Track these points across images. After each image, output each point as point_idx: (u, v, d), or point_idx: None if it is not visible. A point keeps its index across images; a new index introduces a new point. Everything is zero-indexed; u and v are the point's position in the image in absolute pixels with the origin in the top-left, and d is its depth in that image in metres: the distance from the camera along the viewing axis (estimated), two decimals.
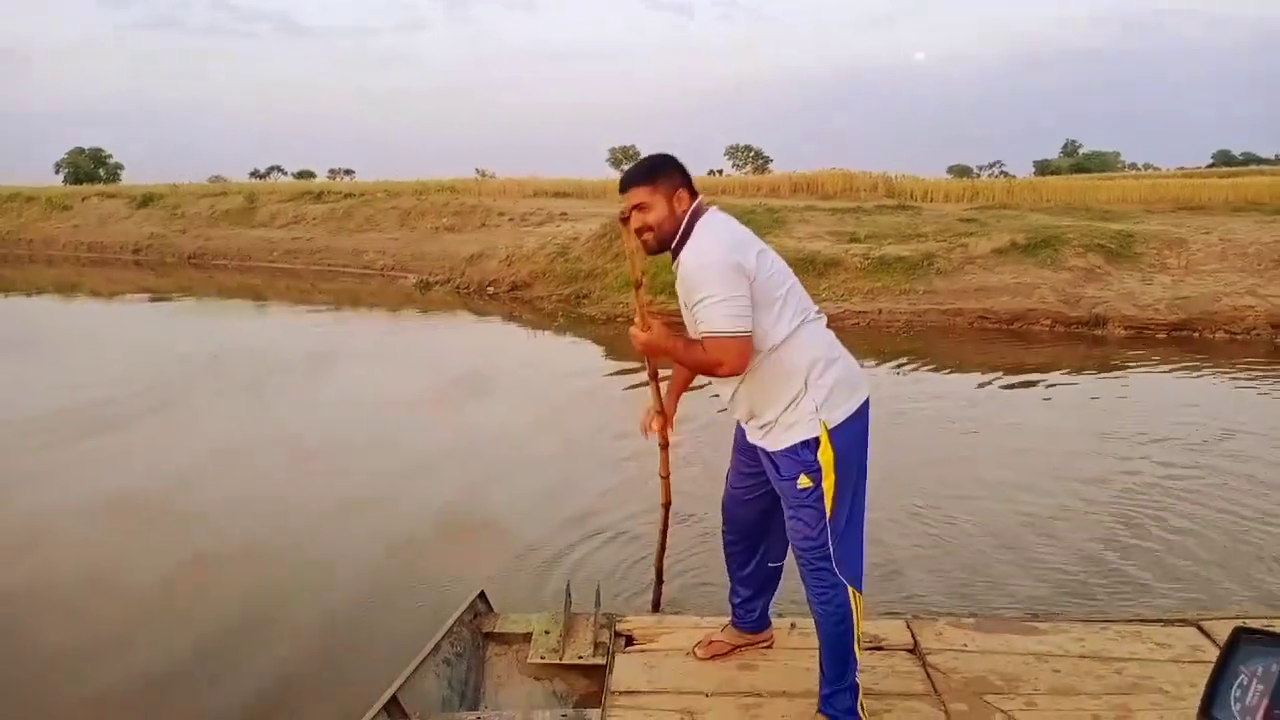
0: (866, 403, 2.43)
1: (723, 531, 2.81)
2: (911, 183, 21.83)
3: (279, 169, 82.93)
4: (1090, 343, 9.56)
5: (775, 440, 2.40)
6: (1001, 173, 75.76)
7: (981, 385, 7.74)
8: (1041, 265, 10.91)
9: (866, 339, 9.99)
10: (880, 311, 10.78)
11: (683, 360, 2.42)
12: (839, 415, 2.34)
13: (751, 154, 75.45)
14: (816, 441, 2.33)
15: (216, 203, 25.79)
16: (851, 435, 2.37)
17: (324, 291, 16.82)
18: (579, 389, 7.90)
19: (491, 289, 14.93)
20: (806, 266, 11.76)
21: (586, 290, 12.63)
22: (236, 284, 18.28)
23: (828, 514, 2.35)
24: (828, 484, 2.34)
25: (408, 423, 6.86)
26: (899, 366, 8.50)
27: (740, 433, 2.63)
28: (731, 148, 75.58)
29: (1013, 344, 9.68)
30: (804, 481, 2.35)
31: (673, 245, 2.38)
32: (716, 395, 2.52)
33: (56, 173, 67.18)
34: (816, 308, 2.44)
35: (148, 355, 9.92)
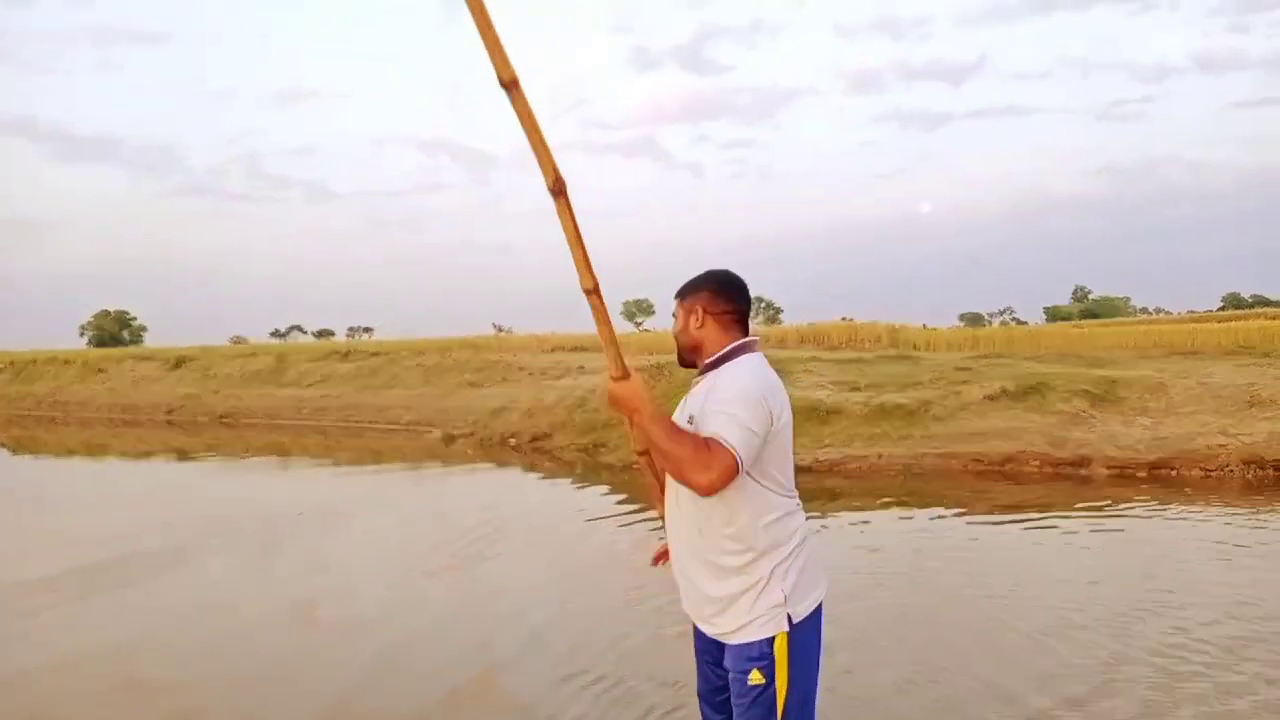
0: (822, 602, 2.33)
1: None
2: (915, 333, 22.72)
3: (299, 328, 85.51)
4: (1076, 481, 10.05)
5: (728, 628, 2.26)
6: (1013, 319, 77.50)
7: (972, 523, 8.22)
8: (1030, 410, 11.56)
9: (867, 481, 10.54)
10: (880, 456, 11.36)
11: (659, 432, 2.10)
12: (804, 609, 2.25)
13: (763, 305, 77.72)
14: (775, 639, 2.21)
15: (246, 363, 26.95)
16: (809, 632, 2.27)
17: (349, 448, 17.40)
18: (593, 532, 8.34)
19: (513, 440, 15.61)
20: (810, 414, 12.44)
21: (604, 439, 13.28)
22: (264, 442, 18.91)
23: (778, 712, 2.22)
24: (780, 681, 2.21)
25: (420, 580, 6.76)
26: (903, 511, 8.99)
27: (699, 632, 2.45)
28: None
29: (1004, 484, 10.15)
30: (755, 677, 2.22)
31: (702, 364, 2.36)
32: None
33: (81, 335, 69.13)
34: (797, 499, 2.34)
35: (159, 514, 10.23)
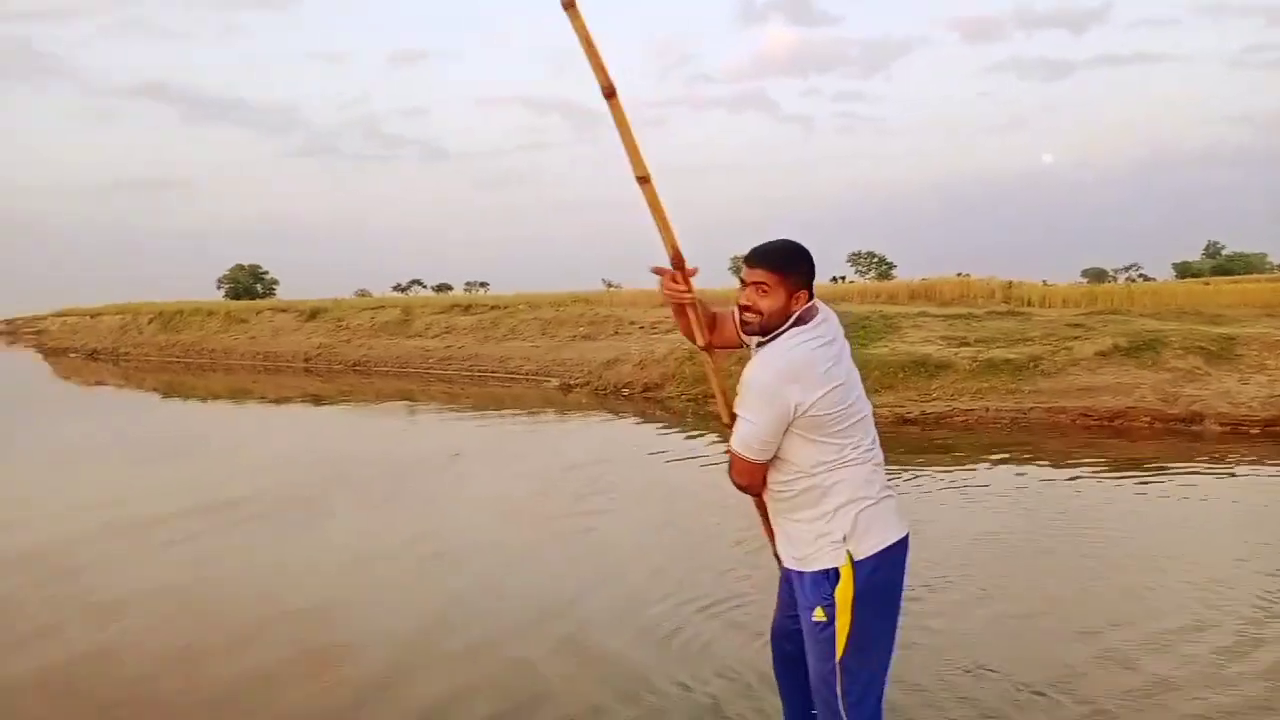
0: (903, 545, 2.37)
1: (773, 665, 2.74)
2: (1030, 289, 22.34)
3: (419, 282, 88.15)
4: (1187, 438, 10.07)
5: (799, 560, 2.38)
6: (1140, 275, 74.17)
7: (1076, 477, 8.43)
8: (1142, 366, 11.53)
9: (974, 434, 10.80)
10: (987, 409, 11.54)
11: (733, 456, 2.42)
12: (867, 548, 2.29)
13: (875, 260, 76.38)
14: (837, 574, 2.28)
15: (375, 315, 28.36)
16: (878, 574, 2.30)
17: (472, 395, 18.33)
18: (702, 476, 8.77)
19: (626, 390, 16.30)
20: (918, 369, 12.70)
21: (712, 390, 13.77)
22: (393, 389, 19.97)
23: (837, 655, 2.27)
24: (841, 622, 2.26)
25: (532, 521, 7.16)
26: (1007, 460, 9.25)
27: (784, 573, 2.58)
28: (854, 254, 76.89)
29: (1113, 439, 10.24)
30: (818, 614, 2.29)
31: (760, 339, 2.40)
32: None
33: (218, 288, 72.65)
34: (876, 448, 2.41)
35: (296, 456, 11.04)
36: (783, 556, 2.47)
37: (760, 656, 2.87)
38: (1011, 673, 3.90)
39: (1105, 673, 3.92)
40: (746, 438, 2.31)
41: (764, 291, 2.32)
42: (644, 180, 2.37)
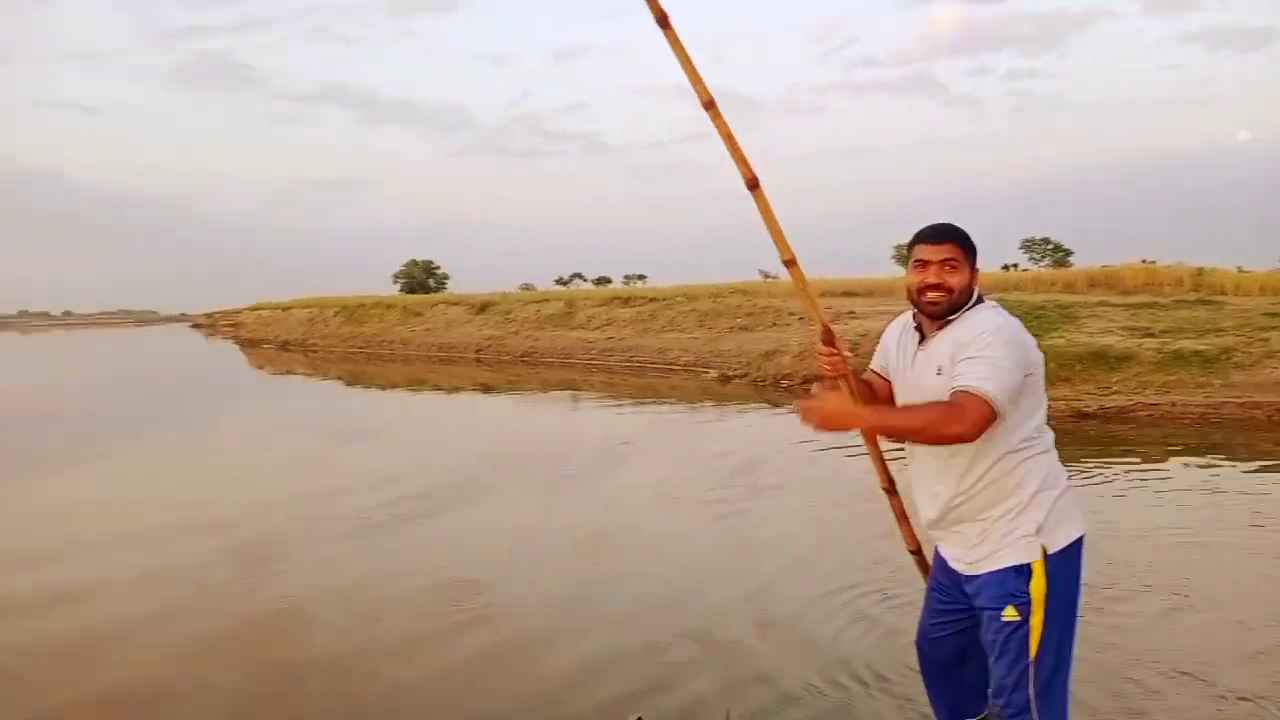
0: (1084, 538, 2.31)
1: (920, 670, 2.65)
2: (1223, 276, 20.78)
3: (580, 275, 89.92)
4: None
5: (983, 559, 2.27)
6: None
7: None
8: None
9: (1159, 429, 10.18)
10: (1173, 404, 10.84)
11: (892, 423, 2.30)
12: (1059, 540, 2.22)
13: (1050, 247, 72.33)
14: (1030, 569, 2.19)
15: (540, 308, 29.25)
16: (1068, 568, 2.24)
17: (632, 386, 18.61)
18: (856, 468, 8.72)
19: (786, 382, 16.22)
20: (1097, 360, 12.05)
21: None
22: (558, 378, 20.58)
23: (1031, 654, 2.17)
24: (1036, 620, 2.17)
25: (691, 510, 7.24)
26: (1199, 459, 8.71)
27: (939, 562, 2.51)
28: (1028, 241, 72.90)
29: None
30: (1010, 614, 2.19)
31: (948, 318, 2.32)
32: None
33: (394, 282, 76.11)
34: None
35: (468, 445, 11.54)
36: (954, 560, 2.38)
37: (908, 654, 2.84)
38: (1213, 678, 3.72)
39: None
40: (1002, 380, 2.12)
41: (953, 268, 2.28)
42: (754, 186, 2.44)
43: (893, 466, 2.74)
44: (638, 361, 22.68)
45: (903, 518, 2.71)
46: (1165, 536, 5.93)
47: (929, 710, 2.76)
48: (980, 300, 2.33)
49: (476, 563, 5.91)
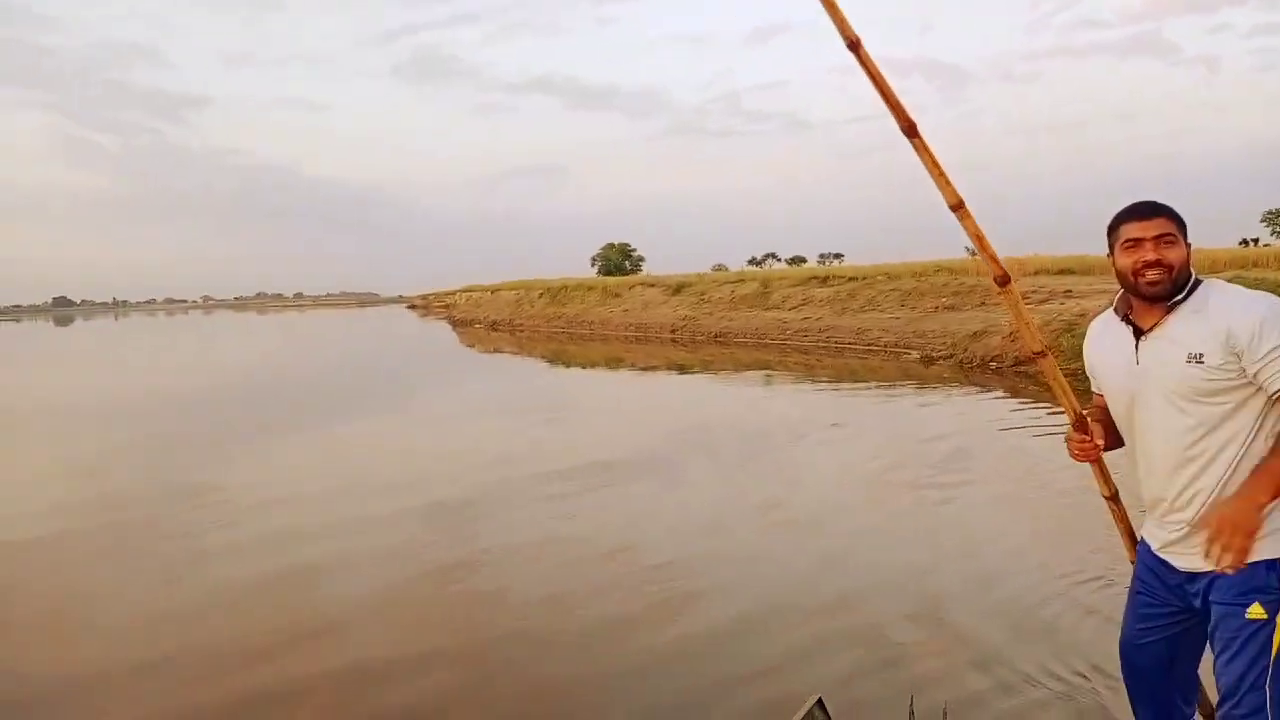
0: None
1: (1123, 676, 2.48)
2: None
3: (774, 255, 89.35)
4: None
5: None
6: None
7: None
8: None
9: None
10: None
11: None
12: None
13: None
14: (1278, 565, 2.04)
15: (735, 289, 29.31)
16: None
17: (828, 367, 18.37)
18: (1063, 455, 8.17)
19: (994, 364, 15.50)
20: None
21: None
22: (752, 359, 20.58)
23: (1273, 652, 2.03)
24: None
25: (882, 497, 7.09)
26: None
27: (1146, 561, 2.34)
28: (1270, 213, 65.80)
29: None
30: (1255, 611, 2.04)
31: (1172, 299, 2.14)
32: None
33: (592, 265, 78.26)
34: None
35: (661, 421, 11.86)
36: (1182, 556, 2.19)
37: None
38: None
39: None
40: None
41: (1170, 243, 2.12)
42: (958, 208, 2.30)
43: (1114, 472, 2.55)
44: (835, 342, 22.29)
45: (1124, 522, 2.55)
46: None
47: None
48: (1198, 279, 2.16)
49: (680, 546, 5.93)
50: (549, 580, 5.29)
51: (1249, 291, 2.12)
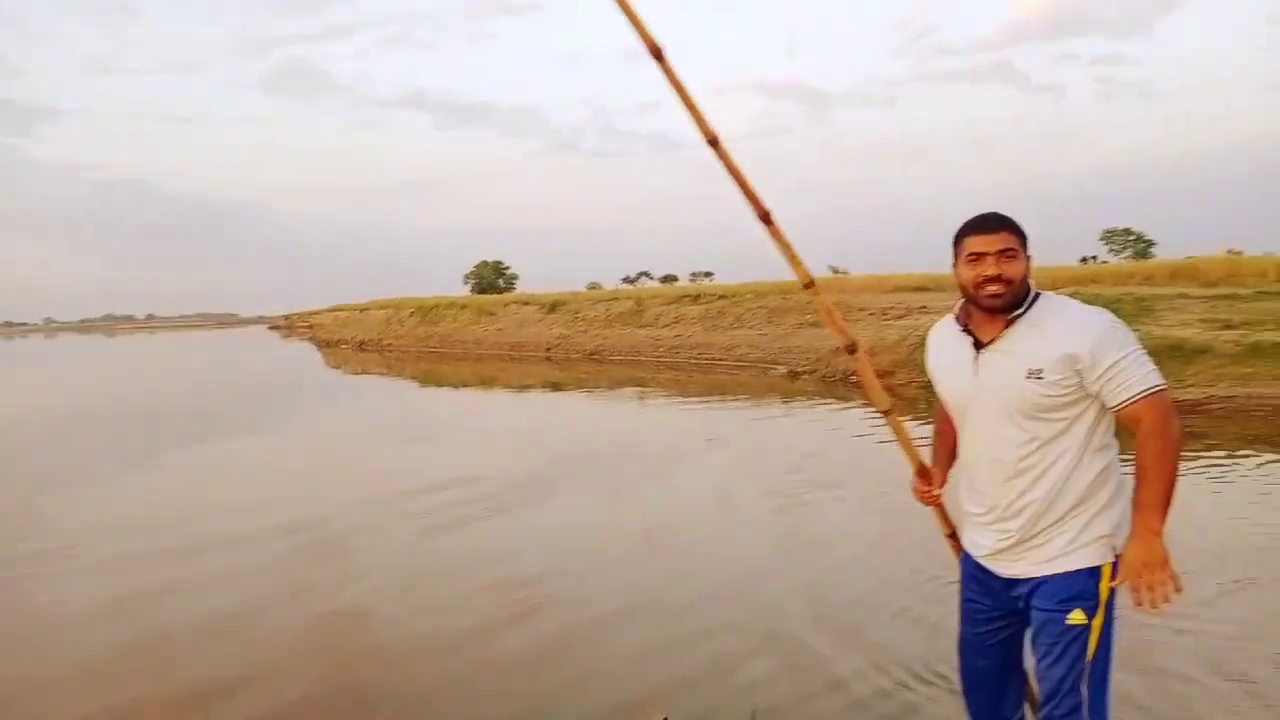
0: None
1: (960, 676, 2.54)
2: None
3: (646, 274, 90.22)
4: None
5: (1049, 560, 2.20)
6: None
7: None
8: None
9: (1234, 423, 9.98)
10: (1249, 397, 10.60)
11: (1174, 480, 2.09)
12: (1122, 541, 2.16)
13: (1131, 238, 70.08)
14: (1100, 572, 2.15)
15: (609, 307, 29.59)
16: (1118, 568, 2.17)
17: (699, 383, 18.77)
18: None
19: (854, 378, 16.19)
20: (1173, 353, 11.79)
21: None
22: (626, 376, 20.85)
23: (1089, 654, 2.14)
24: (1097, 622, 2.14)
25: (748, 510, 7.25)
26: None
27: (973, 571, 2.42)
28: (1108, 232, 70.76)
29: None
30: (1076, 617, 2.14)
31: (1012, 313, 2.18)
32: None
33: (465, 283, 77.15)
34: None
35: (533, 439, 11.86)
36: (1004, 565, 2.28)
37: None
38: None
39: None
40: (1154, 367, 2.10)
41: (1011, 257, 2.16)
42: (766, 219, 2.43)
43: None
44: (706, 358, 22.82)
45: (960, 553, 2.58)
46: (1227, 527, 5.92)
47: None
48: (1036, 292, 2.22)
49: (537, 558, 6.05)
50: (412, 599, 5.26)
51: (1085, 307, 2.18)
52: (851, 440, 10.43)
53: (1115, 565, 2.13)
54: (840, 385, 16.15)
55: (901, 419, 2.63)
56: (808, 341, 20.27)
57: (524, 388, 20.23)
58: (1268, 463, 8.04)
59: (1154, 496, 2.06)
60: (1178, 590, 2.04)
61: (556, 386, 20.03)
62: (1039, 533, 2.20)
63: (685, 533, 6.63)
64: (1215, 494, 6.97)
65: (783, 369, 19.12)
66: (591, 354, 26.37)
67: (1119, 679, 2.37)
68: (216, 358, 39.57)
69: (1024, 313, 2.17)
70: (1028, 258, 2.19)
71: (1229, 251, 25.74)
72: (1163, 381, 2.07)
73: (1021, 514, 2.21)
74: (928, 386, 2.56)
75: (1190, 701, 3.52)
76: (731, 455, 9.99)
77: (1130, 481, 2.13)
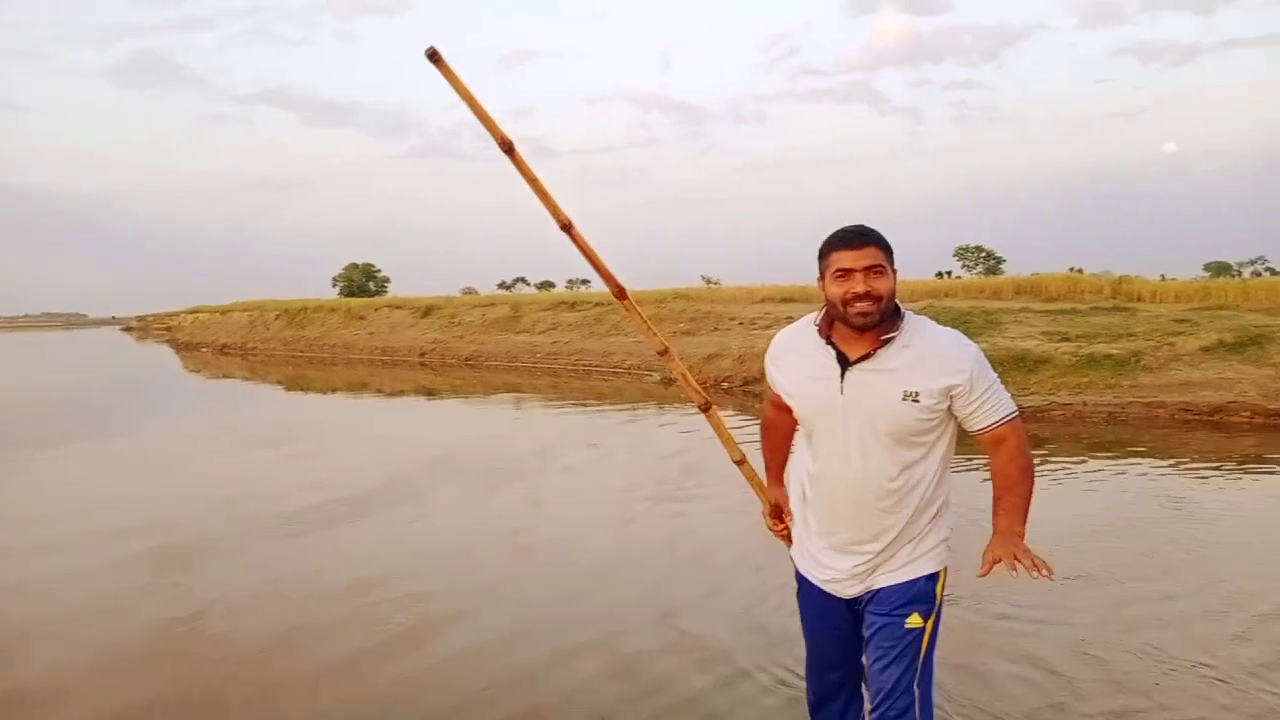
0: None
1: (811, 690, 2.54)
2: (1140, 284, 21.85)
3: (523, 280, 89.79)
4: None
5: (897, 569, 2.25)
6: (1267, 269, 70.42)
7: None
8: (1246, 362, 11.39)
9: (1071, 428, 10.85)
10: (1085, 404, 11.56)
11: (1032, 489, 2.24)
12: (950, 546, 2.32)
13: (983, 254, 74.15)
14: (938, 576, 2.25)
15: (486, 312, 29.48)
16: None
17: (576, 389, 18.93)
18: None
19: (726, 384, 16.73)
20: (1017, 363, 12.74)
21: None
22: (502, 382, 20.80)
23: (921, 656, 2.23)
24: (930, 625, 2.23)
25: (619, 513, 7.36)
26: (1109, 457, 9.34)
27: (814, 592, 2.42)
28: (961, 248, 74.74)
29: (1211, 434, 10.18)
30: (914, 620, 2.21)
31: (881, 330, 2.17)
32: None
33: (333, 285, 74.75)
34: None
35: (403, 451, 11.42)
36: (848, 580, 2.30)
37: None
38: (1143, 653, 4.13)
39: (1249, 648, 4.15)
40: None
41: (879, 273, 2.13)
42: (567, 228, 2.36)
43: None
44: (583, 365, 23.04)
45: (753, 479, 2.70)
46: (1071, 526, 6.41)
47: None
48: (904, 311, 2.23)
49: (392, 565, 5.92)
50: (286, 619, 4.98)
51: (948, 332, 2.22)
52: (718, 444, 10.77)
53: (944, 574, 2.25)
54: (711, 391, 16.60)
55: (719, 413, 2.69)
56: (680, 349, 20.70)
57: (396, 393, 19.89)
58: (1103, 465, 8.80)
59: (1018, 503, 2.19)
60: (1049, 570, 2.07)
61: (430, 392, 19.84)
62: (896, 553, 2.25)
63: (573, 541, 6.62)
64: (1055, 493, 7.60)
65: (657, 375, 19.52)
66: (468, 360, 26.21)
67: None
68: (66, 361, 37.23)
69: (896, 335, 2.17)
70: (894, 272, 2.17)
71: (1072, 269, 27.65)
72: (1014, 414, 2.20)
73: (881, 537, 2.23)
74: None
75: (996, 685, 3.82)
76: (612, 462, 10.17)
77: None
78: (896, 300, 2.20)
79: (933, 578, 2.23)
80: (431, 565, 6.00)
